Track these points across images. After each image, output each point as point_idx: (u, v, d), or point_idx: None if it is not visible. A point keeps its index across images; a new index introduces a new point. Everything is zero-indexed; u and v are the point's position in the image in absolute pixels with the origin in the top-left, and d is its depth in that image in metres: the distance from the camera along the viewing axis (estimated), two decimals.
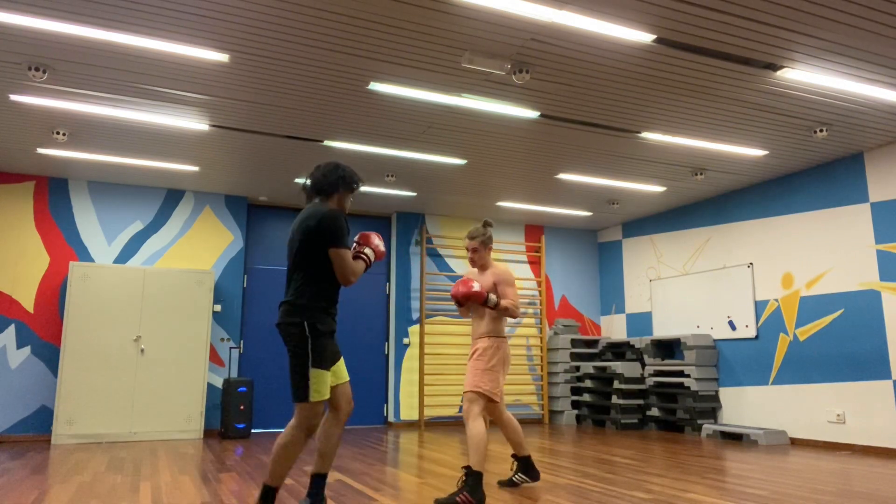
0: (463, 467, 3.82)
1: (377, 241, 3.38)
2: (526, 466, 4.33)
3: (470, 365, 4.09)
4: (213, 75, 4.74)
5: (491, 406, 4.16)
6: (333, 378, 3.18)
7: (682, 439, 7.14)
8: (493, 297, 4.03)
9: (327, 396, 3.09)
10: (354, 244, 3.36)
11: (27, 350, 6.93)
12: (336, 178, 3.26)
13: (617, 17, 3.92)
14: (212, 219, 7.95)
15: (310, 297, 3.07)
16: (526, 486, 4.30)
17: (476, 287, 3.99)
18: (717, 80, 4.78)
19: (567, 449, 6.26)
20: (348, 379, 3.44)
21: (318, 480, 3.21)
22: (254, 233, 8.37)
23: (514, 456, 4.36)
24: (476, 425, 3.86)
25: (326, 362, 3.07)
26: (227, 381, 7.30)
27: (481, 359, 4.05)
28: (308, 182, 3.30)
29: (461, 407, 8.73)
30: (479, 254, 4.26)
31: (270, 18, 3.95)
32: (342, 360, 3.26)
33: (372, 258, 3.32)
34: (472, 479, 3.73)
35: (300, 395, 3.02)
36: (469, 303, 4.09)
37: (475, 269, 4.37)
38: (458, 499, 3.64)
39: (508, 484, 4.31)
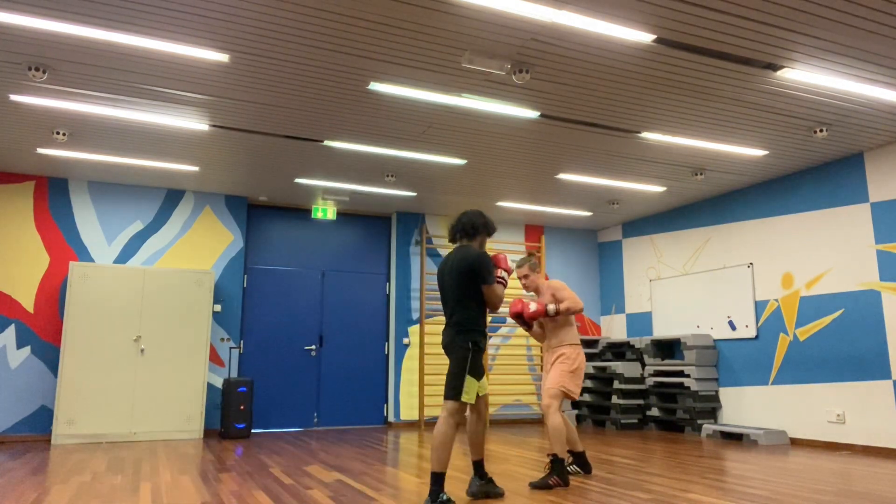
0: (548, 454, 4.39)
1: (506, 261, 4.07)
2: (581, 460, 4.78)
3: (554, 367, 4.59)
4: (213, 75, 4.74)
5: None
6: (480, 389, 3.85)
7: (682, 439, 7.14)
8: (551, 307, 4.51)
9: (473, 401, 3.77)
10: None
11: (27, 350, 6.93)
12: (480, 224, 4.00)
13: (617, 17, 3.92)
14: (212, 219, 7.95)
15: (473, 321, 3.81)
16: (526, 486, 4.30)
17: (533, 307, 4.47)
18: (717, 80, 4.78)
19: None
20: (488, 391, 4.10)
21: (479, 464, 3.98)
22: (254, 233, 8.37)
23: (569, 451, 4.76)
24: (556, 418, 4.39)
25: (478, 373, 3.78)
26: (227, 381, 7.30)
27: (565, 363, 4.55)
28: (456, 225, 4.02)
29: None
30: (530, 279, 4.75)
31: (270, 18, 3.95)
32: (487, 375, 3.83)
33: (507, 277, 4.05)
34: (558, 465, 4.30)
35: (455, 394, 3.70)
36: (538, 320, 4.58)
37: (532, 295, 4.84)
38: (550, 481, 4.25)
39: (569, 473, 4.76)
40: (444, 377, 8.57)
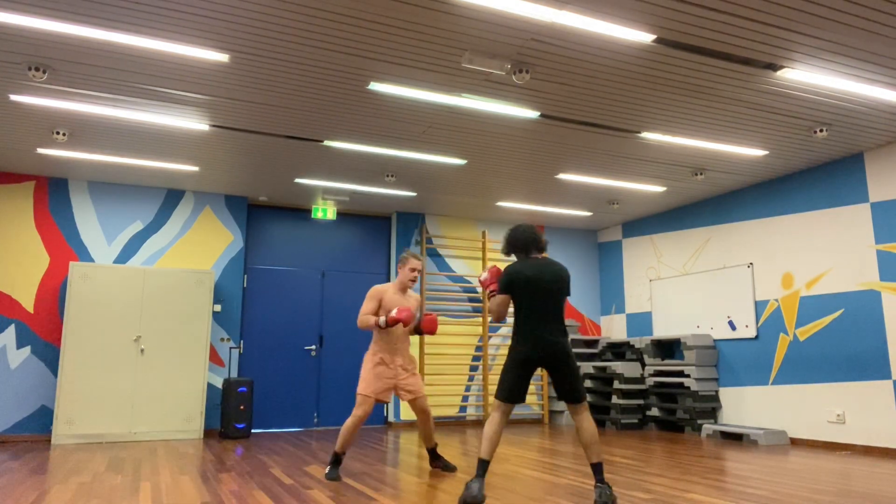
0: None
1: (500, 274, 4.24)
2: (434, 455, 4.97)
3: (415, 375, 4.89)
4: (213, 75, 4.74)
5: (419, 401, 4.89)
6: None
7: (682, 439, 7.14)
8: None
9: None
10: None
11: (27, 350, 6.93)
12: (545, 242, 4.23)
13: (617, 17, 3.92)
14: (212, 219, 7.95)
15: (565, 327, 4.02)
16: (526, 486, 4.30)
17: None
18: (717, 80, 4.78)
19: (567, 449, 6.26)
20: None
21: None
22: (254, 233, 8.37)
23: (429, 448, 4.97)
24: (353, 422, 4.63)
25: None
26: (227, 381, 7.30)
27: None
28: (531, 240, 4.11)
29: (457, 407, 8.74)
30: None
31: (270, 18, 3.95)
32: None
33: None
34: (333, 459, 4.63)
35: (583, 395, 3.87)
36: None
37: (399, 291, 4.85)
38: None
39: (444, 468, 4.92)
40: (445, 377, 8.65)
